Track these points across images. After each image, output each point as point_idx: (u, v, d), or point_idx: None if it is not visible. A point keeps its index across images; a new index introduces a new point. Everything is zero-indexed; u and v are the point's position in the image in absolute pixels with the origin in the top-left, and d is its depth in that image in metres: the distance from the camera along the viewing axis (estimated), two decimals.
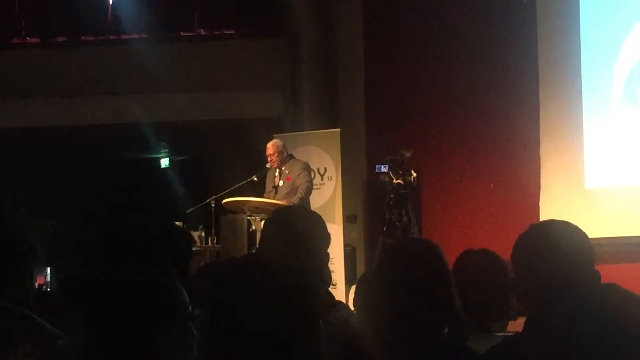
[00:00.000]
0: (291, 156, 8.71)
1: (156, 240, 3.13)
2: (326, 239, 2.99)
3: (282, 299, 2.11)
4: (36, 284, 3.63)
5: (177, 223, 8.33)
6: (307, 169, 8.63)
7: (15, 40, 11.11)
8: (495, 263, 3.21)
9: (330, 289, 3.02)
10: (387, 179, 8.88)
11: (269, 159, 8.55)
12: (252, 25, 10.88)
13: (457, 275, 2.87)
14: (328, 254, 2.99)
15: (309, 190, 8.48)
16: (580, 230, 2.56)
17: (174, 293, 2.23)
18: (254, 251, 7.24)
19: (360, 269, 9.44)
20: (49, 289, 3.76)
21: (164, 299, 2.20)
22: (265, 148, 8.62)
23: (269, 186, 8.65)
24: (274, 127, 10.04)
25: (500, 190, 9.34)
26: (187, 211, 9.36)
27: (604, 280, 2.46)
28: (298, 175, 8.48)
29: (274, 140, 8.73)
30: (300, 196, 8.32)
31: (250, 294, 2.12)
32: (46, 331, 2.61)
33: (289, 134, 9.72)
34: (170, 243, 2.94)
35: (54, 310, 2.85)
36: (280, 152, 8.54)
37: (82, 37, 11.07)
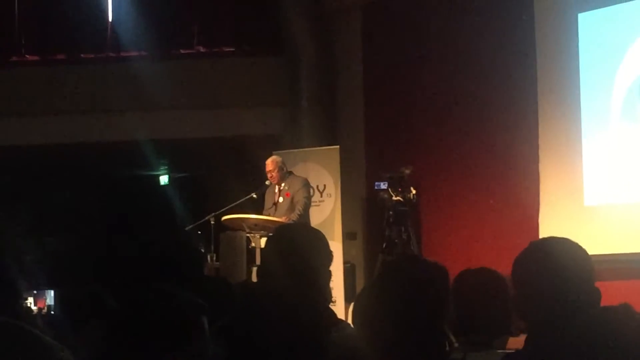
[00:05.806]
0: (290, 173, 8.72)
1: (157, 257, 3.13)
2: (328, 257, 2.99)
3: (286, 322, 2.12)
4: (36, 307, 3.63)
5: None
6: (307, 185, 8.66)
7: (15, 58, 11.14)
8: (494, 280, 3.21)
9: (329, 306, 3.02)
10: (386, 196, 8.88)
11: (268, 176, 8.57)
12: (251, 43, 10.92)
13: (456, 294, 2.88)
14: (330, 272, 2.99)
15: (306, 206, 8.50)
16: (581, 247, 2.56)
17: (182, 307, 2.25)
18: (254, 269, 7.23)
19: (360, 286, 9.41)
20: (52, 312, 3.76)
21: (175, 316, 2.21)
22: (264, 165, 8.64)
23: (268, 203, 8.66)
24: (274, 144, 10.05)
25: (500, 207, 9.32)
26: (187, 228, 9.35)
27: (603, 297, 2.47)
28: (297, 191, 8.50)
29: (273, 157, 8.74)
30: (299, 213, 8.34)
31: (256, 317, 2.13)
32: (48, 345, 2.60)
33: (289, 150, 9.74)
34: (172, 260, 2.94)
35: (58, 329, 2.85)
36: (280, 168, 8.57)
37: (82, 55, 11.09)
